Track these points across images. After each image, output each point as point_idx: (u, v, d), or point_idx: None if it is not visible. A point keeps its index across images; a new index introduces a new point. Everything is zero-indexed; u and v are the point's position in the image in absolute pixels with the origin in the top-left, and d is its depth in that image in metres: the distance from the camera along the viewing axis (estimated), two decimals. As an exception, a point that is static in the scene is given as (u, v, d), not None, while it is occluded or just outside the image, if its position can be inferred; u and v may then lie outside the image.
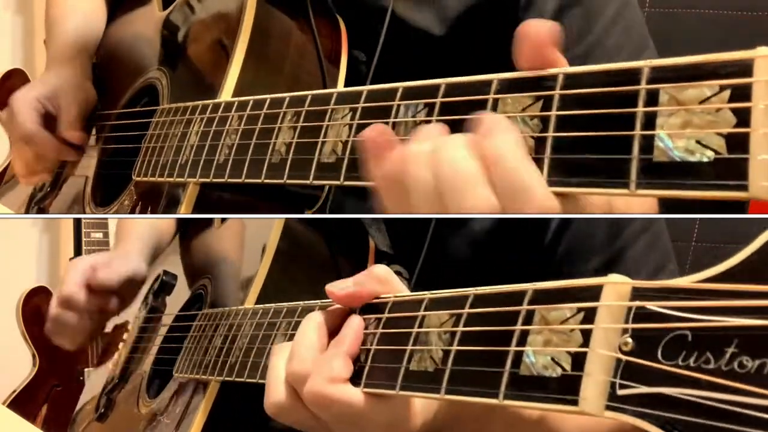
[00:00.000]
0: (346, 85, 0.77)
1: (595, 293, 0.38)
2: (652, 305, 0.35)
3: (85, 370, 2.16)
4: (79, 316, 0.96)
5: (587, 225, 0.73)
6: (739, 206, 0.35)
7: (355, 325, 0.54)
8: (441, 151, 0.45)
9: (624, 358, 0.35)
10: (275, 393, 0.56)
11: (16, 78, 2.18)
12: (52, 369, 2.17)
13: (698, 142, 0.36)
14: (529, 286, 0.42)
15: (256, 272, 0.78)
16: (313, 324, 0.55)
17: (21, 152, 0.97)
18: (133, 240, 1.04)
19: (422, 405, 0.54)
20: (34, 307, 2.18)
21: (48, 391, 2.15)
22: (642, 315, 0.36)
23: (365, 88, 0.54)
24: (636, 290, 0.37)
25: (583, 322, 0.38)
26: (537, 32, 0.44)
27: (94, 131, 0.97)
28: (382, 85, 0.53)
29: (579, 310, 0.38)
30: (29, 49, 2.40)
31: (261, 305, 0.73)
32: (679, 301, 0.34)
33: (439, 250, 0.74)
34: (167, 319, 0.98)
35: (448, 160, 0.44)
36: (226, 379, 0.71)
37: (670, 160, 0.37)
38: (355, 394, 0.51)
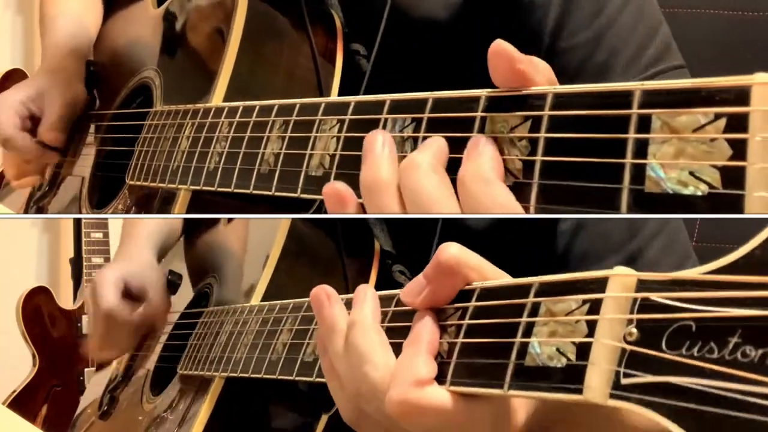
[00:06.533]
0: (346, 81, 0.76)
1: (600, 285, 0.38)
2: (656, 296, 0.36)
3: (85, 370, 2.16)
4: (125, 325, 0.96)
5: (603, 226, 0.70)
6: (740, 206, 0.35)
7: (428, 320, 0.48)
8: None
9: (629, 347, 0.36)
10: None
11: (16, 78, 2.18)
12: (52, 369, 2.17)
13: (692, 173, 0.35)
14: (535, 279, 0.42)
15: (262, 272, 0.79)
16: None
17: (7, 156, 0.97)
18: (143, 240, 1.04)
19: (520, 405, 0.50)
20: (34, 307, 2.18)
21: (48, 391, 2.15)
22: (647, 306, 0.36)
23: (353, 99, 0.53)
24: (641, 282, 0.37)
25: (588, 313, 0.38)
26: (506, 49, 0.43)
27: (92, 130, 0.97)
28: (370, 97, 0.52)
29: (584, 301, 0.39)
30: (29, 49, 2.41)
31: (267, 302, 0.74)
32: (684, 292, 0.35)
33: None
34: (172, 317, 0.99)
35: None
36: (231, 374, 0.72)
37: (662, 192, 0.35)
38: (445, 397, 0.45)
